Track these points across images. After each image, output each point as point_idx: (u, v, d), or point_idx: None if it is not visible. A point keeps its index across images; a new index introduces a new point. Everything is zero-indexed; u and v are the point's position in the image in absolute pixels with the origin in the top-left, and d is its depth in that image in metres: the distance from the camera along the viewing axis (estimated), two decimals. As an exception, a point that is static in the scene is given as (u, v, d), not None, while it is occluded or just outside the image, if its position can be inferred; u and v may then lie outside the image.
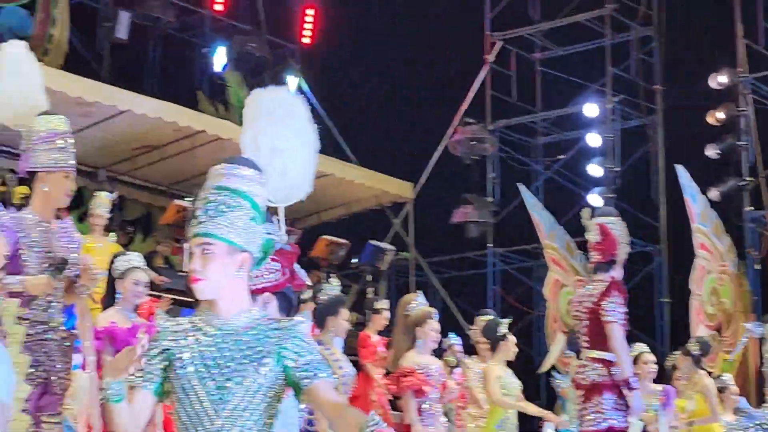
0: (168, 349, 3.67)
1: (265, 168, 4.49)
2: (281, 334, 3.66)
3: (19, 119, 6.15)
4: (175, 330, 3.71)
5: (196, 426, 3.59)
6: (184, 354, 3.65)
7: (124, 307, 7.81)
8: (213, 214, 3.64)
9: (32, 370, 5.84)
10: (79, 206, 12.59)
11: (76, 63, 16.61)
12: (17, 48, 6.43)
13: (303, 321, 3.50)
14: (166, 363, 3.67)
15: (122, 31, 17.28)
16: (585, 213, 8.38)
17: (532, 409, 10.75)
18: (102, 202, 11.35)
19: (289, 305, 4.56)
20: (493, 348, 10.44)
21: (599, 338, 7.95)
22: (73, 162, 6.21)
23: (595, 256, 8.19)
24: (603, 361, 7.93)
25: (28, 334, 5.81)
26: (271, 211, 4.64)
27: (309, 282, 4.67)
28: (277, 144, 4.64)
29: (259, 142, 4.71)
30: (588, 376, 8.00)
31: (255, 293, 4.40)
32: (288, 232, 15.56)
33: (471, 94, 18.22)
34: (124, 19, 17.25)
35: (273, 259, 4.39)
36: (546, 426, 10.97)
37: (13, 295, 5.75)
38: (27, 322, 5.82)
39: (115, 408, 3.58)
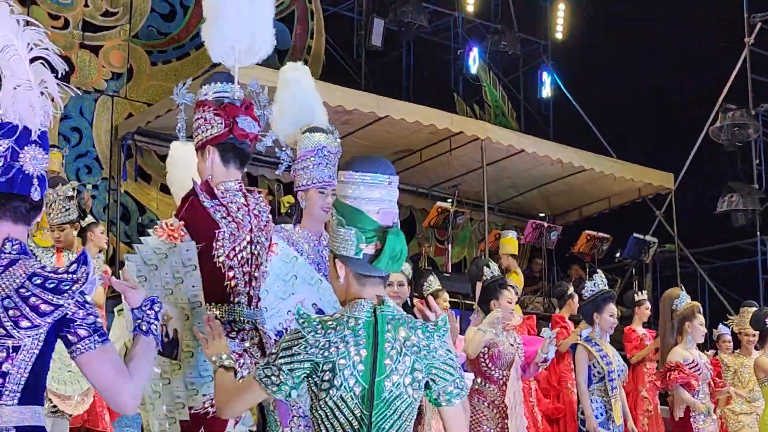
0: None
1: (215, 35, 4.77)
2: None
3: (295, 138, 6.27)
4: None
5: None
6: None
7: None
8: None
9: None
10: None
11: (333, 72, 17.10)
12: (296, 69, 6.52)
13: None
14: None
15: (377, 39, 17.66)
16: None
17: None
18: None
19: (237, 154, 4.60)
20: (762, 339, 10.13)
21: None
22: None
23: None
24: None
25: None
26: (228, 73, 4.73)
27: (253, 130, 4.68)
28: (220, 7, 4.78)
29: (207, 15, 4.87)
30: None
31: (198, 149, 4.56)
32: (549, 229, 15.64)
33: (731, 79, 17.72)
34: (379, 26, 17.63)
35: (216, 114, 4.49)
36: None
37: None
38: None
39: None
